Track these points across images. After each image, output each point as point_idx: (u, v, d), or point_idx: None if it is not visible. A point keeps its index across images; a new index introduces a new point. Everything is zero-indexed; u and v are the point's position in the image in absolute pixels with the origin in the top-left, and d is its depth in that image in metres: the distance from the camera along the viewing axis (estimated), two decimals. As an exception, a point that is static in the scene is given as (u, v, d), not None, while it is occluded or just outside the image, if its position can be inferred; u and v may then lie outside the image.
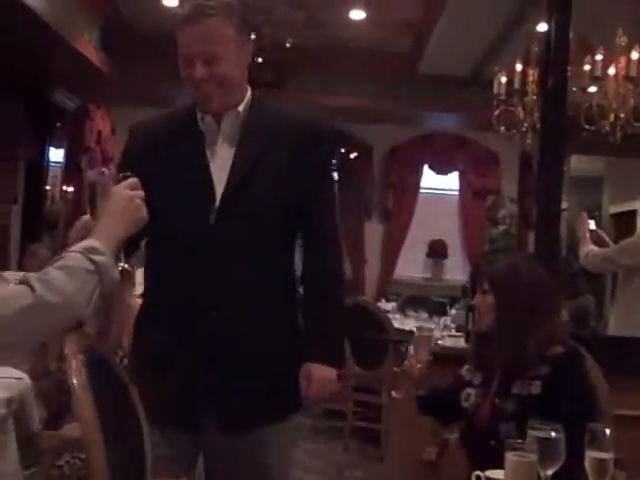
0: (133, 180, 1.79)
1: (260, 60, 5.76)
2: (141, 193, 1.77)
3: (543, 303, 2.37)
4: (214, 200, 2.05)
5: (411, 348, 2.76)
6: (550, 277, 2.49)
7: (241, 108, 2.11)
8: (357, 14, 7.02)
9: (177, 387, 2.00)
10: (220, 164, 2.08)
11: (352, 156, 9.20)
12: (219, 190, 2.06)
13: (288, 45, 5.78)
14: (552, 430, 1.72)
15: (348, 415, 5.47)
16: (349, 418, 5.47)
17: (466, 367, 2.51)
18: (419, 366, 2.54)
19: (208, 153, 2.10)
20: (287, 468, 2.22)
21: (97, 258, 1.56)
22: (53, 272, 1.48)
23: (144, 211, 1.75)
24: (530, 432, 1.73)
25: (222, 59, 2.01)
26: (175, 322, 2.07)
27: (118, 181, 1.80)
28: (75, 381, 1.76)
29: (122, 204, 1.73)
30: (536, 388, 2.26)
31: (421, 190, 9.59)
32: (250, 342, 2.06)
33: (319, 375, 2.13)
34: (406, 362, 2.60)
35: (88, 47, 6.92)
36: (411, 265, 9.62)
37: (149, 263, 2.22)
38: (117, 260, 1.71)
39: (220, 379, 2.04)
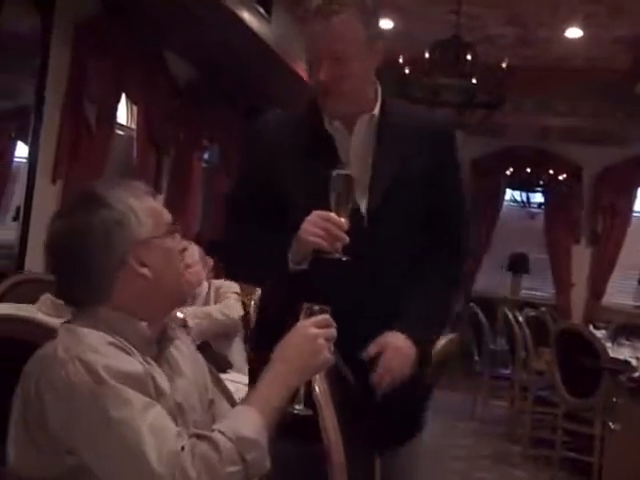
0: (323, 317, 1.55)
1: (474, 80, 5.73)
2: (330, 332, 1.54)
3: None
4: (358, 210, 1.95)
5: None
6: None
7: (376, 111, 2.00)
8: (574, 32, 6.87)
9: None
10: (357, 170, 1.94)
11: (561, 178, 8.96)
12: (362, 200, 1.97)
13: (504, 65, 5.71)
14: None
15: (557, 444, 5.30)
16: (558, 447, 5.30)
17: None
18: None
19: (341, 156, 1.98)
20: None
21: (249, 456, 1.34)
22: (196, 462, 1.29)
23: (327, 354, 1.52)
24: None
25: (350, 58, 1.88)
26: None
27: (308, 314, 1.58)
28: (317, 389, 1.82)
29: (301, 345, 1.51)
30: None
31: (634, 214, 9.19)
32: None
33: (396, 345, 1.90)
34: None
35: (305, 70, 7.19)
36: (621, 292, 9.22)
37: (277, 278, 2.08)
38: (293, 402, 1.55)
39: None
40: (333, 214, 1.82)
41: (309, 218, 1.83)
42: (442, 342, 2.72)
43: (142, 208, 1.48)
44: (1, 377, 1.37)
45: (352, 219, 1.89)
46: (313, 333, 1.51)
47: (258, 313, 2.20)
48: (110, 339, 1.37)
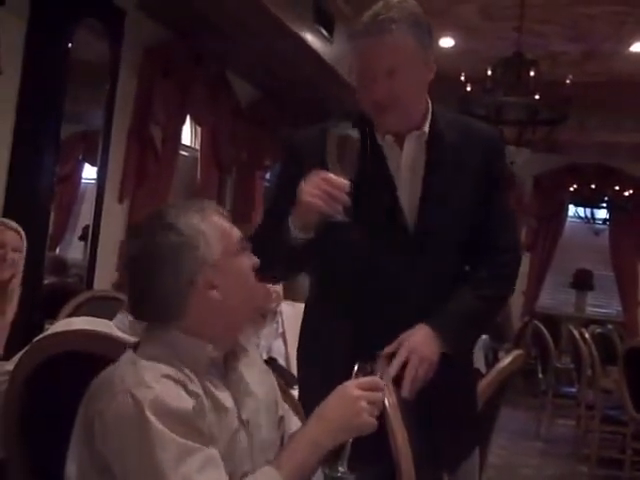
0: (370, 379, 1.51)
1: (537, 97, 5.69)
2: (374, 395, 1.49)
3: None
4: (405, 229, 1.91)
5: None
6: None
7: (426, 128, 1.94)
8: None
9: None
10: (406, 187, 1.93)
11: (626, 194, 8.81)
12: (410, 217, 1.92)
13: (568, 82, 5.66)
14: None
15: (626, 464, 5.20)
16: (627, 468, 5.19)
17: None
18: None
19: (391, 171, 1.93)
20: None
21: None
22: None
23: (367, 418, 1.47)
24: None
25: (403, 73, 1.83)
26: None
27: (358, 374, 1.52)
28: (387, 403, 1.80)
29: (341, 406, 1.48)
30: None
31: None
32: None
33: (420, 347, 1.82)
34: None
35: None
36: (690, 309, 9.00)
37: (318, 296, 2.07)
38: (337, 461, 1.50)
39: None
40: (332, 175, 1.73)
41: (308, 178, 1.74)
42: (507, 360, 2.70)
43: (211, 230, 1.48)
44: (81, 390, 1.42)
45: (400, 237, 1.88)
46: (355, 395, 1.47)
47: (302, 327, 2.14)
48: (166, 371, 1.38)
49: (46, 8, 4.25)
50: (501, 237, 2.03)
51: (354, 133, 1.73)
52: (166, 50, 5.32)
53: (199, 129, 6.26)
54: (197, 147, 6.31)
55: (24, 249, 3.35)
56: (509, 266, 2.06)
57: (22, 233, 3.34)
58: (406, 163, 1.94)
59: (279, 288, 3.74)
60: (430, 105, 1.97)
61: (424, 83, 1.93)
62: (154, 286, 1.44)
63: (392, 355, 1.81)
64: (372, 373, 1.51)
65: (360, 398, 1.47)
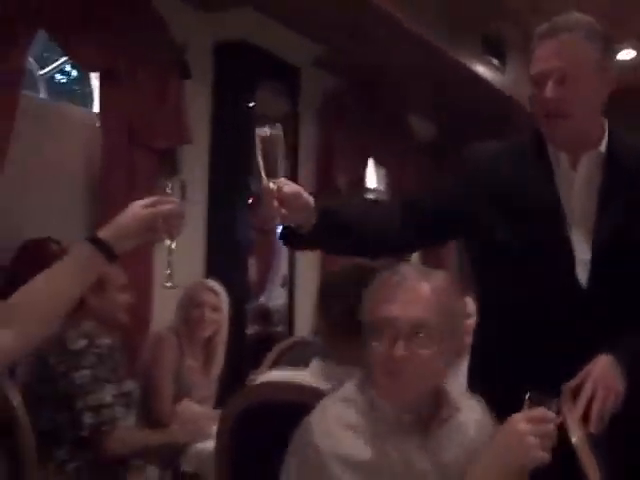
0: (539, 411, 1.44)
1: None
2: (543, 429, 1.42)
3: None
4: (570, 255, 1.80)
5: None
6: None
7: (602, 148, 1.83)
8: None
9: None
10: (578, 214, 1.82)
11: None
12: (583, 249, 1.80)
13: None
14: None
15: None
16: None
17: None
18: None
19: (561, 194, 1.83)
20: None
21: None
22: None
23: (535, 453, 1.40)
24: None
25: (577, 80, 1.76)
26: None
27: (529, 404, 1.45)
28: (575, 437, 1.70)
29: (509, 442, 1.42)
30: None
31: None
32: None
33: (605, 378, 1.68)
34: None
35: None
36: None
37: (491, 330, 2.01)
38: None
39: None
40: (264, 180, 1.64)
41: None
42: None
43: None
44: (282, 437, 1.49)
45: (570, 270, 1.79)
46: (522, 430, 1.41)
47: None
48: (350, 420, 1.42)
49: (228, 75, 4.56)
50: None
51: (275, 130, 1.64)
52: (342, 99, 5.46)
53: (383, 171, 6.35)
54: (382, 189, 6.40)
55: (224, 307, 3.41)
56: None
57: (221, 292, 3.41)
58: (579, 186, 1.84)
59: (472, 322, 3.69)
60: (606, 126, 1.88)
61: (599, 99, 1.84)
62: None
63: (576, 389, 1.71)
64: (542, 403, 1.44)
65: (528, 433, 1.40)
